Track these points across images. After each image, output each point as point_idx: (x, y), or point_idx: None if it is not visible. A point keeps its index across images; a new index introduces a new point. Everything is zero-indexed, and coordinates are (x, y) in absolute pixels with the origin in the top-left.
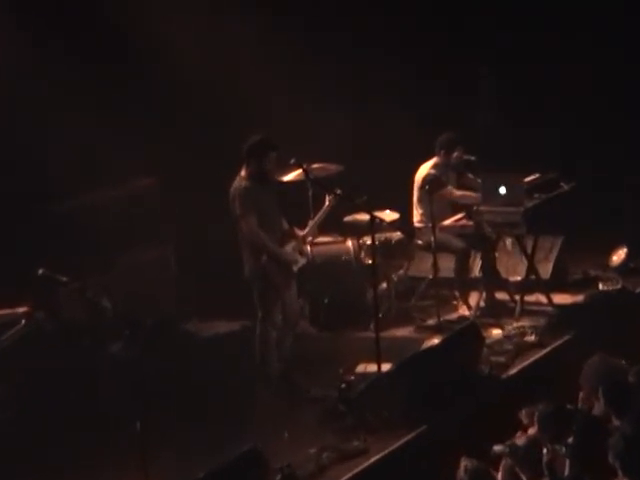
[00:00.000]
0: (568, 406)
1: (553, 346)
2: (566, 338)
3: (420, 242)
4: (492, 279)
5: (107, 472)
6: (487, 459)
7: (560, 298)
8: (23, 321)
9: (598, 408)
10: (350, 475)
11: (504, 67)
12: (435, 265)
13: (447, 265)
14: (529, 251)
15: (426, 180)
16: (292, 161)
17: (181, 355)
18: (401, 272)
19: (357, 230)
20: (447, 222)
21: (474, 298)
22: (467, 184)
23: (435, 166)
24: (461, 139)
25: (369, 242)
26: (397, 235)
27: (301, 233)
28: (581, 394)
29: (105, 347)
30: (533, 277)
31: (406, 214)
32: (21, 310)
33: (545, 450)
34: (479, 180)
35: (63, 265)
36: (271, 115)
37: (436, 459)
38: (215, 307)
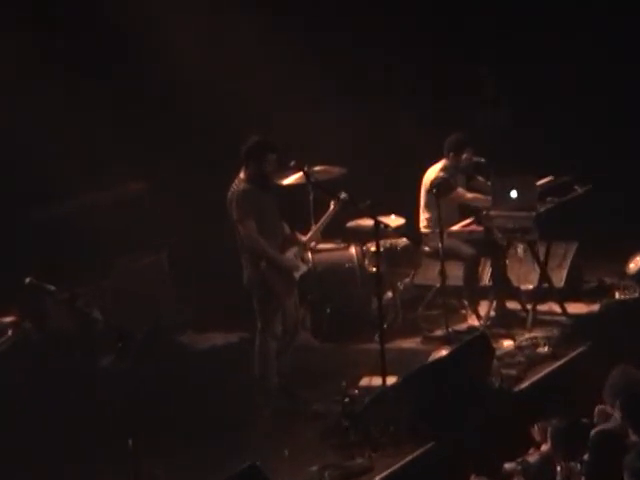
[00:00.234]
0: (583, 421)
1: (567, 358)
2: (581, 350)
3: (427, 249)
4: (503, 287)
5: None
6: (498, 477)
7: (574, 307)
8: (10, 331)
9: (615, 422)
10: None
11: (507, 67)
12: (443, 273)
13: (455, 273)
14: (542, 258)
15: (434, 183)
16: (292, 163)
17: (176, 368)
18: (407, 280)
19: (361, 236)
20: (455, 227)
21: (484, 307)
22: (477, 187)
23: (444, 169)
24: (470, 141)
25: (373, 249)
26: (403, 241)
27: (303, 238)
28: (597, 408)
29: (96, 360)
30: (546, 285)
31: (412, 219)
32: (8, 320)
33: (559, 468)
34: (489, 183)
35: (51, 274)
36: (270, 116)
37: (444, 477)
38: (211, 318)
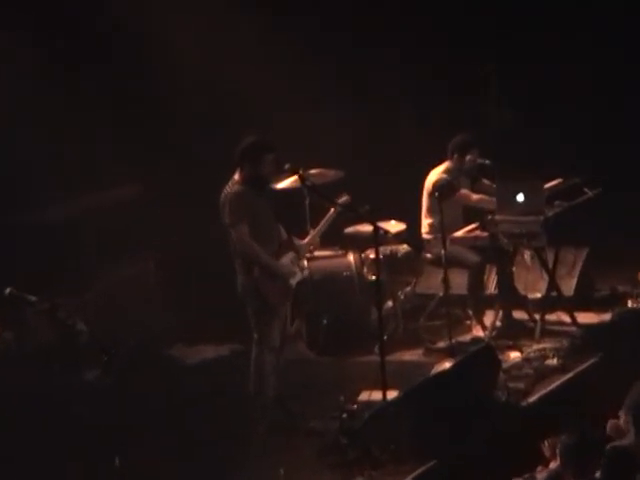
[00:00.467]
0: (594, 437)
1: (577, 370)
2: (592, 361)
3: (429, 255)
4: (509, 296)
5: None
6: None
7: (585, 317)
8: None
9: (629, 439)
10: None
11: (511, 67)
12: (446, 281)
13: (459, 281)
14: (550, 265)
15: (437, 186)
16: (287, 166)
17: (165, 383)
18: (408, 289)
19: (359, 243)
20: (459, 233)
21: (489, 317)
22: (482, 191)
23: (446, 171)
24: (477, 142)
25: (373, 256)
26: (404, 248)
27: (300, 243)
28: (609, 423)
29: (79, 374)
30: (555, 294)
31: (414, 225)
32: None
33: None
34: (495, 186)
35: (33, 283)
36: (270, 117)
37: None
38: (202, 329)
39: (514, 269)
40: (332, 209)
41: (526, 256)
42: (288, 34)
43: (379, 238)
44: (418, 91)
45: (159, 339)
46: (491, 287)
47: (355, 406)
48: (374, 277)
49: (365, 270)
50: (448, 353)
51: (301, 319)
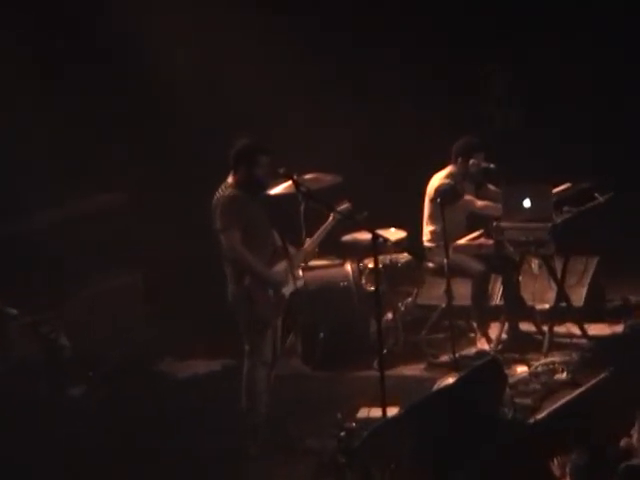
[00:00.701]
0: (606, 456)
1: (588, 385)
2: (603, 376)
3: (431, 265)
4: (515, 307)
5: None
6: None
7: (596, 329)
8: None
9: None
10: None
11: (509, 67)
12: (449, 291)
13: (463, 291)
14: (559, 274)
15: (439, 191)
16: (281, 171)
17: (154, 400)
18: (409, 300)
19: (357, 251)
20: (462, 241)
21: (495, 330)
22: (487, 196)
23: (449, 175)
24: (482, 145)
25: (371, 265)
26: (404, 257)
27: (296, 251)
28: (622, 441)
29: (63, 391)
30: (564, 304)
31: (415, 232)
32: None
33: None
34: (500, 192)
35: (14, 296)
36: (269, 117)
37: None
38: (192, 343)
39: (521, 278)
40: (330, 217)
41: (533, 265)
42: (288, 34)
43: (378, 246)
44: (418, 91)
45: (147, 353)
46: (496, 298)
47: (353, 424)
48: (373, 287)
49: (363, 280)
50: (451, 368)
51: (296, 332)
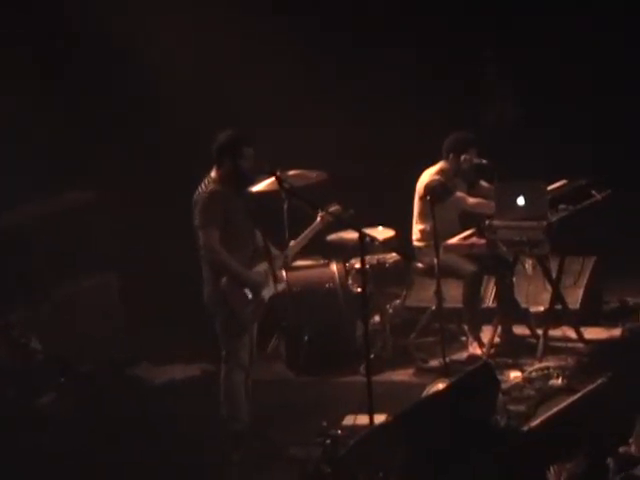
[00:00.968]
0: (603, 465)
1: (584, 391)
2: (600, 381)
3: (421, 265)
4: (509, 310)
5: None
6: None
7: (592, 332)
8: None
9: None
10: None
11: (509, 66)
12: (439, 293)
13: (454, 293)
14: (554, 275)
15: (429, 188)
16: (266, 166)
17: (129, 407)
18: (397, 302)
19: (343, 251)
20: (454, 240)
21: (487, 333)
22: (480, 194)
23: (441, 172)
24: (475, 140)
25: (358, 266)
26: (392, 257)
27: (278, 252)
28: (620, 450)
29: (34, 398)
30: (559, 307)
31: (404, 231)
32: None
33: None
34: (493, 189)
35: None
36: (269, 117)
37: None
38: (170, 347)
39: (514, 280)
40: (318, 218)
41: (527, 265)
42: (288, 34)
43: (365, 246)
44: (418, 91)
45: (122, 358)
46: (489, 300)
47: (339, 431)
48: (360, 289)
49: (350, 281)
50: (442, 373)
51: (279, 336)
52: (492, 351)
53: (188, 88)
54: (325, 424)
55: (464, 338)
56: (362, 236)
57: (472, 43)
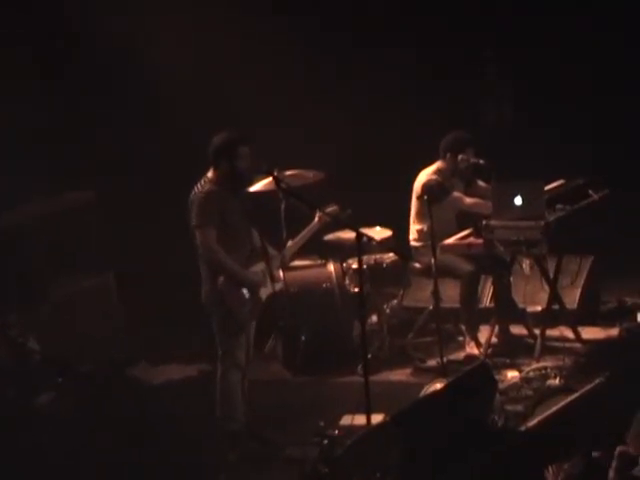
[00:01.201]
0: (601, 465)
1: (582, 391)
2: (597, 381)
3: (418, 265)
4: (506, 310)
5: None
6: None
7: (590, 332)
8: None
9: None
10: None
11: (509, 66)
12: (436, 293)
13: (451, 293)
14: (551, 275)
15: (426, 188)
16: (264, 166)
17: (127, 407)
18: (395, 302)
19: (341, 251)
20: (451, 240)
21: (484, 333)
22: (477, 194)
23: (437, 171)
24: (473, 139)
25: (355, 265)
26: (389, 257)
27: (275, 252)
28: (617, 450)
29: (32, 398)
30: (556, 307)
31: (401, 231)
32: None
33: None
34: (490, 188)
35: None
36: (269, 117)
37: None
38: (167, 347)
39: (512, 279)
40: (316, 218)
41: (525, 265)
42: (288, 34)
43: (362, 246)
44: (418, 91)
45: (120, 358)
46: (486, 300)
47: (336, 431)
48: (357, 289)
49: (347, 281)
50: (439, 373)
51: (276, 336)
52: (489, 351)
53: (188, 88)
54: (322, 424)
55: (461, 338)
56: (359, 236)
57: (472, 43)
